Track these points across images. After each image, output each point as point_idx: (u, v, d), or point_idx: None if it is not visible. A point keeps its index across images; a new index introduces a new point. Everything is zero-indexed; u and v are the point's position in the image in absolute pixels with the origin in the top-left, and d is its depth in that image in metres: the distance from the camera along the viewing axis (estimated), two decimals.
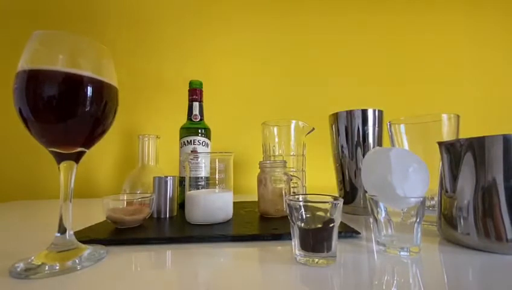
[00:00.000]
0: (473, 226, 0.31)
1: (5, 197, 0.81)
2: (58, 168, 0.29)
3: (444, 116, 0.44)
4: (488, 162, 0.30)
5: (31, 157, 0.85)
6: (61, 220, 0.29)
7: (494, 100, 1.00)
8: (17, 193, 0.84)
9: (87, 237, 0.35)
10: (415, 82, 1.00)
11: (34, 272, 0.25)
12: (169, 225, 0.43)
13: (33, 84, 0.26)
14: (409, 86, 0.99)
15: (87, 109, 0.28)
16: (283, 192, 0.48)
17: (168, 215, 0.48)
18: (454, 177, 0.33)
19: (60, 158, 0.29)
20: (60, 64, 0.27)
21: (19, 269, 0.26)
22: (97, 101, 0.29)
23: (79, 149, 0.29)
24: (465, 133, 0.37)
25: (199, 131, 0.59)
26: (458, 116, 0.44)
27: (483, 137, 0.31)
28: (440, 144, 0.36)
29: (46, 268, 0.26)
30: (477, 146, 0.31)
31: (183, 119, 0.61)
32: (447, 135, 0.44)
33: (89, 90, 0.28)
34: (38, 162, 0.85)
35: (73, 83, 0.27)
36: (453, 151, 0.34)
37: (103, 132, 0.31)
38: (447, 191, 0.34)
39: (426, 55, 1.01)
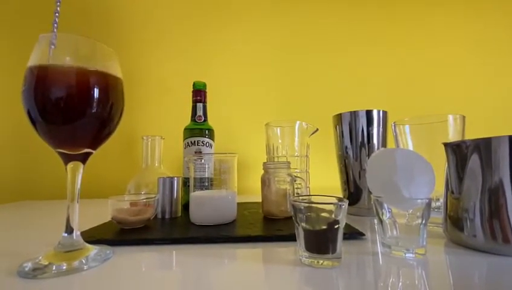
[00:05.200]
0: (480, 228, 0.30)
1: (10, 197, 0.82)
2: (65, 169, 0.29)
3: (450, 117, 0.44)
4: (495, 163, 0.30)
5: (34, 158, 0.86)
6: (68, 220, 0.29)
7: (500, 101, 0.99)
8: (21, 193, 0.85)
9: (93, 237, 0.35)
10: (420, 82, 0.99)
11: (42, 272, 0.25)
12: (173, 225, 0.43)
13: (42, 82, 0.26)
14: (414, 86, 0.99)
15: (96, 106, 0.28)
16: (287, 193, 0.48)
17: (172, 216, 0.48)
18: (460, 179, 0.33)
19: (67, 159, 0.29)
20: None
21: (26, 269, 0.26)
22: (105, 99, 0.29)
23: (86, 150, 0.30)
24: (471, 134, 0.37)
25: (203, 132, 0.59)
26: (464, 117, 0.44)
27: (490, 138, 0.31)
28: (446, 145, 0.36)
29: (54, 268, 0.26)
30: (484, 147, 0.31)
31: (186, 120, 0.62)
32: (452, 136, 0.43)
33: (99, 85, 0.28)
34: (41, 162, 0.86)
35: (82, 78, 0.27)
36: (458, 152, 0.34)
37: (110, 133, 0.31)
38: (452, 193, 0.34)
39: (431, 56, 1.00)
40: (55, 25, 0.28)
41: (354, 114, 0.53)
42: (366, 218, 0.49)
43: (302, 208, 0.28)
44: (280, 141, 0.58)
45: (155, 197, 0.44)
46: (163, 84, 0.93)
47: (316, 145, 0.67)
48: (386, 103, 0.77)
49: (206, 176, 0.48)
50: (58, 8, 0.28)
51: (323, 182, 0.78)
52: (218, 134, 0.64)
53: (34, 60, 0.27)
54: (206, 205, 0.43)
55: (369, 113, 0.53)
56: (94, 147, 0.31)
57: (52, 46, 0.27)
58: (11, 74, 0.84)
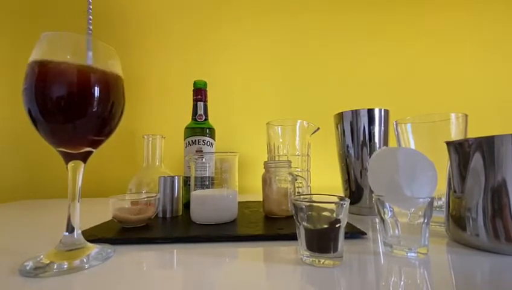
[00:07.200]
0: (482, 227, 0.30)
1: (11, 196, 0.83)
2: (66, 168, 0.29)
3: (452, 116, 0.43)
4: (498, 162, 0.30)
5: (35, 157, 0.86)
6: (69, 219, 0.29)
7: (503, 99, 0.98)
8: (22, 192, 0.85)
9: (94, 236, 0.35)
10: (422, 81, 0.98)
11: (43, 270, 0.25)
12: (174, 224, 0.43)
13: (42, 80, 0.26)
14: (416, 85, 0.98)
15: (97, 105, 0.28)
16: (288, 192, 0.48)
17: (173, 215, 0.48)
18: (463, 178, 0.33)
19: (67, 158, 0.29)
20: None
21: (28, 268, 0.26)
22: (106, 98, 0.29)
23: (87, 149, 0.30)
24: (474, 133, 0.37)
25: (204, 131, 0.59)
26: (466, 116, 0.44)
27: (493, 136, 0.30)
28: (448, 143, 0.35)
29: (55, 267, 0.26)
30: (487, 146, 0.31)
31: (187, 119, 0.62)
32: (455, 135, 0.43)
33: (100, 84, 0.28)
34: (42, 161, 0.86)
35: (83, 77, 0.27)
36: (461, 151, 0.33)
37: (111, 131, 0.31)
38: (455, 192, 0.34)
39: (433, 54, 0.99)
40: (90, 26, 0.28)
41: (355, 113, 0.53)
42: (367, 217, 0.49)
43: (304, 207, 0.28)
44: (281, 140, 0.58)
45: (156, 196, 0.44)
46: (164, 83, 0.93)
47: (317, 144, 0.67)
48: (387, 101, 0.76)
49: (207, 175, 0.48)
50: (90, 11, 0.29)
51: (324, 181, 0.78)
52: (219, 133, 0.64)
53: (35, 58, 0.27)
54: (207, 204, 0.43)
55: (370, 112, 0.52)
56: (95, 146, 0.30)
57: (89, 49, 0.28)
58: (10, 74, 0.84)
